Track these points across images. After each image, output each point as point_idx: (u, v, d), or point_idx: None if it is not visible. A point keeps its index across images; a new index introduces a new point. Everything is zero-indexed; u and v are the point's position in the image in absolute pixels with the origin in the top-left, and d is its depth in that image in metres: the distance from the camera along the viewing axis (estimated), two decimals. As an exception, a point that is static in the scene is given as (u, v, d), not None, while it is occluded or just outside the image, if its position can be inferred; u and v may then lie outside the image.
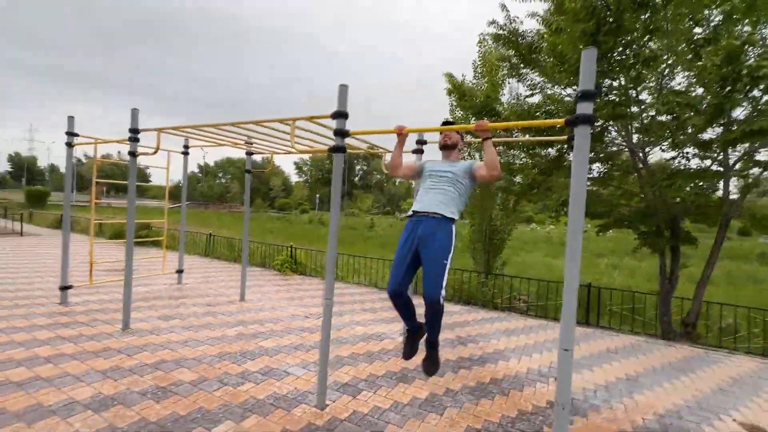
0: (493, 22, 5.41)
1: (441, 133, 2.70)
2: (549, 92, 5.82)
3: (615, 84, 4.63)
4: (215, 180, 78.94)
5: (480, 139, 2.58)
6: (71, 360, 3.42)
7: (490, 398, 3.25)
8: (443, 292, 2.36)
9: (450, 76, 6.97)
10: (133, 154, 4.31)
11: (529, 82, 6.20)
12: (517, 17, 5.27)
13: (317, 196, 63.88)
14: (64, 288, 5.13)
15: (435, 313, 2.40)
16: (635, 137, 4.95)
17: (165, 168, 6.72)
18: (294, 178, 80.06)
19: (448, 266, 2.38)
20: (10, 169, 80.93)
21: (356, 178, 77.09)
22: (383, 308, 5.93)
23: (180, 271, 6.79)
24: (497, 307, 6.43)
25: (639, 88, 4.54)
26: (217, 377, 3.28)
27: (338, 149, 2.94)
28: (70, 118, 5.05)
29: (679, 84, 4.54)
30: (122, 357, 3.55)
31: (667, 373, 4.06)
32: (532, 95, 6.17)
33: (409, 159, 3.40)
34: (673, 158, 4.95)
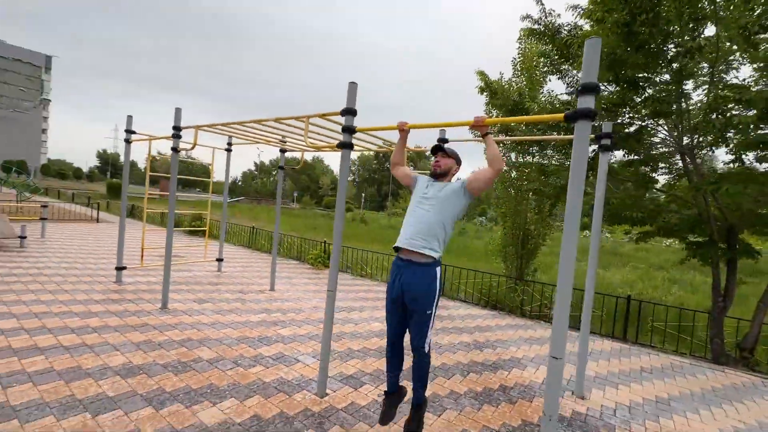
0: (527, 17, 5.18)
1: (433, 160, 2.61)
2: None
3: (657, 79, 4.20)
4: (269, 177, 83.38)
5: (481, 135, 2.51)
6: (113, 332, 3.85)
7: (495, 405, 3.15)
8: (429, 339, 2.39)
9: (482, 74, 6.77)
10: (175, 149, 4.73)
11: (570, 79, 5.87)
12: (553, 10, 4.98)
13: (362, 194, 65.31)
14: (119, 269, 5.76)
15: (421, 363, 2.43)
16: (685, 138, 4.46)
17: (213, 165, 7.30)
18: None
19: (433, 314, 2.42)
20: (98, 164, 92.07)
21: (402, 179, 77.09)
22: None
23: (219, 260, 7.31)
24: (525, 315, 6.15)
25: (688, 83, 4.08)
26: (232, 358, 3.51)
27: (346, 145, 3.02)
28: (129, 117, 5.64)
29: (736, 77, 4.01)
30: (155, 333, 3.93)
31: (708, 400, 3.64)
32: (572, 92, 5.83)
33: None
34: (732, 161, 4.40)
